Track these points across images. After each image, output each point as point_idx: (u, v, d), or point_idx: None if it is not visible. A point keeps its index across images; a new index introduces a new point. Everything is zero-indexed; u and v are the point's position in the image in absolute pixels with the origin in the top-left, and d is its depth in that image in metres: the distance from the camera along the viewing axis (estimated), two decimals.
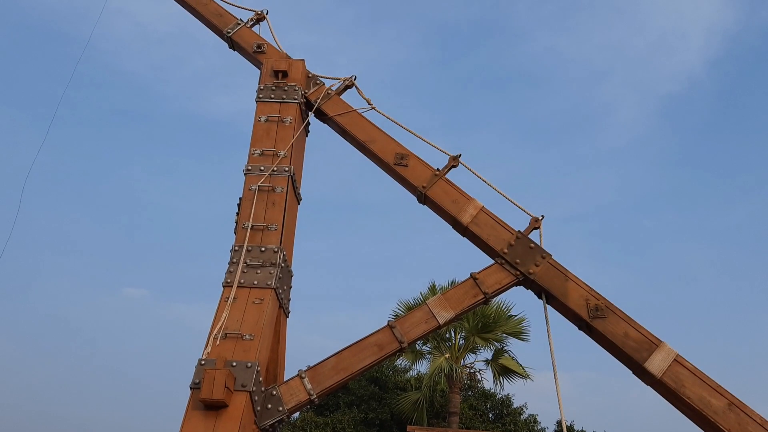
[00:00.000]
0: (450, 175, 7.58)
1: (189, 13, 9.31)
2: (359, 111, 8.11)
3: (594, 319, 6.61)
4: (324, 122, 8.34)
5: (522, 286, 7.12)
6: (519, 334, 22.48)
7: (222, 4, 9.09)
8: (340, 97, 8.28)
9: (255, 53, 8.56)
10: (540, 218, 7.20)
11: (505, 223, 7.22)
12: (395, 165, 7.65)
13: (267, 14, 8.93)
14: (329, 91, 8.25)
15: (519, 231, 7.13)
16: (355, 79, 8.33)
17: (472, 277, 6.99)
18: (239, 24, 8.85)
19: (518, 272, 6.94)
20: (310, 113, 8.18)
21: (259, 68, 8.47)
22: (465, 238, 7.43)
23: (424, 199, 7.53)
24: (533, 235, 7.18)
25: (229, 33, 8.76)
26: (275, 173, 7.49)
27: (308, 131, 8.43)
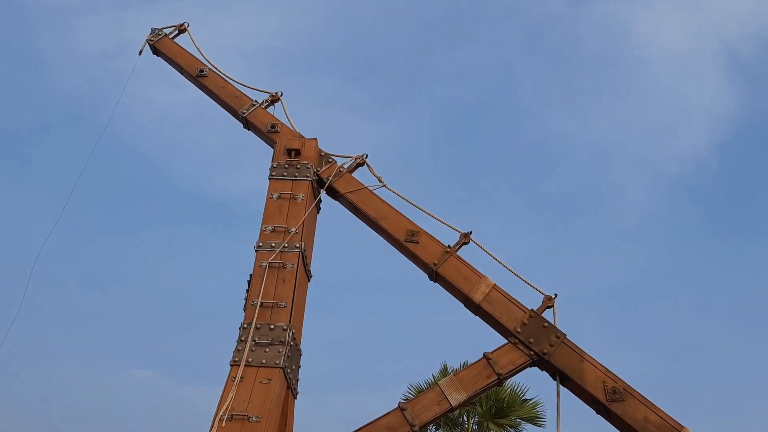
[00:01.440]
0: (461, 252, 7.54)
1: (206, 96, 9.60)
2: (370, 188, 8.18)
3: (612, 403, 6.37)
4: (335, 199, 8.40)
5: (536, 367, 6.92)
6: (534, 419, 21.66)
7: (238, 86, 9.38)
8: (352, 174, 8.38)
9: (269, 132, 8.74)
10: (553, 297, 7.08)
11: (518, 302, 7.11)
12: (406, 242, 7.63)
13: (282, 96, 9.18)
14: (341, 169, 8.35)
15: (532, 310, 7.00)
16: (366, 158, 8.44)
17: (485, 357, 6.82)
18: (254, 105, 9.08)
19: (532, 352, 6.76)
20: (321, 190, 8.25)
21: (273, 147, 8.62)
22: (477, 316, 7.30)
23: (435, 276, 7.45)
24: (547, 314, 7.05)
25: (244, 113, 8.98)
26: (286, 250, 7.48)
27: (320, 208, 8.48)
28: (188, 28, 10.09)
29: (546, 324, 6.88)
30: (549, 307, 7.05)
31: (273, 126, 8.78)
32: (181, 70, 9.71)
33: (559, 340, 6.77)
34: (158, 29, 10.09)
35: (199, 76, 9.42)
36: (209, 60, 9.64)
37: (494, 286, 7.19)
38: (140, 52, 10.01)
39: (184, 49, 9.87)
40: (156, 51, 10.01)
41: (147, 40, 9.99)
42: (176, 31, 10.11)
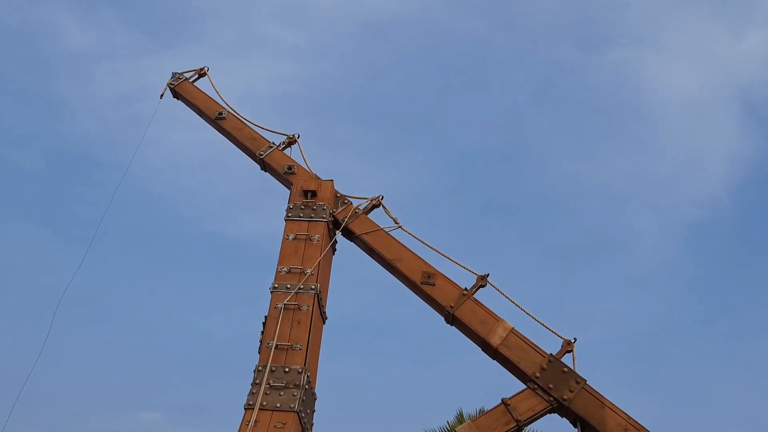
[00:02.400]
0: (478, 296, 7.46)
1: (222, 138, 9.71)
2: (386, 230, 8.16)
3: None
4: (351, 240, 8.39)
5: (556, 414, 6.76)
6: None
7: (256, 128, 9.49)
8: (368, 216, 8.38)
9: (286, 174, 8.79)
10: (573, 341, 6.96)
11: (537, 346, 6.99)
12: (422, 284, 7.57)
13: (298, 138, 9.27)
14: (357, 210, 8.36)
15: (551, 354, 6.87)
16: (382, 199, 8.45)
17: (504, 403, 6.67)
18: (271, 147, 9.16)
19: (552, 398, 6.61)
20: (337, 231, 8.25)
21: (289, 188, 8.67)
22: (495, 361, 7.17)
23: (452, 319, 7.36)
24: (566, 359, 6.92)
25: (261, 155, 9.06)
26: (302, 291, 7.44)
27: (335, 249, 8.46)
28: (208, 72, 10.28)
29: (566, 369, 6.75)
30: (568, 351, 6.92)
31: (290, 167, 8.84)
32: (201, 113, 9.85)
33: (580, 385, 6.62)
34: (179, 73, 10.29)
35: (218, 119, 9.55)
36: (228, 103, 9.80)
37: (512, 330, 7.09)
38: (161, 95, 10.20)
39: (203, 92, 10.04)
40: (176, 94, 10.18)
41: (168, 84, 10.18)
42: (196, 75, 10.30)
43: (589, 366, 6.97)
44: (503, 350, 6.95)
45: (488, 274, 7.47)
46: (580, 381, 6.65)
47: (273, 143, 9.23)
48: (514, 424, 6.56)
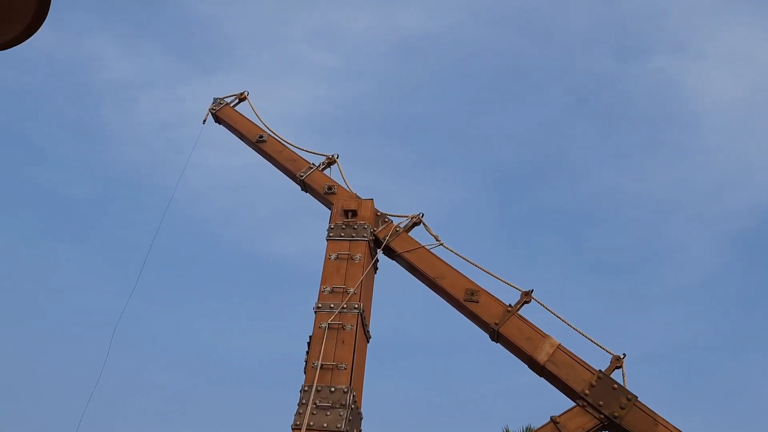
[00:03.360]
0: (522, 312, 7.37)
1: (265, 160, 9.87)
2: (427, 247, 8.15)
3: None
4: (392, 259, 8.39)
5: (607, 431, 6.60)
6: None
7: (295, 150, 9.63)
8: (408, 234, 8.38)
9: (326, 194, 8.87)
10: (622, 357, 6.81)
11: (585, 362, 6.86)
12: (466, 301, 7.52)
13: (338, 158, 9.36)
14: (397, 229, 8.37)
15: (600, 371, 6.74)
16: (422, 216, 8.45)
17: (553, 421, 6.55)
18: (311, 168, 9.27)
19: (602, 415, 6.47)
20: (378, 250, 8.26)
21: (330, 208, 8.74)
22: (542, 378, 7.06)
23: (496, 336, 7.28)
24: (615, 375, 6.77)
25: (302, 176, 9.17)
26: (345, 310, 7.46)
27: (377, 268, 8.48)
28: (248, 97, 10.48)
29: (615, 385, 6.60)
30: (618, 367, 6.78)
31: (330, 188, 8.92)
32: (242, 137, 10.04)
33: (631, 402, 6.47)
34: (220, 99, 10.52)
35: (259, 142, 9.72)
36: (268, 126, 9.97)
37: (559, 346, 6.98)
38: (204, 120, 10.43)
39: (244, 116, 10.23)
40: (218, 119, 10.40)
41: (210, 109, 10.41)
42: (236, 100, 10.51)
43: (638, 382, 6.82)
44: (551, 367, 6.84)
45: (532, 290, 7.39)
46: (631, 398, 6.49)
47: (313, 164, 9.34)
48: None
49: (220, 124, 10.47)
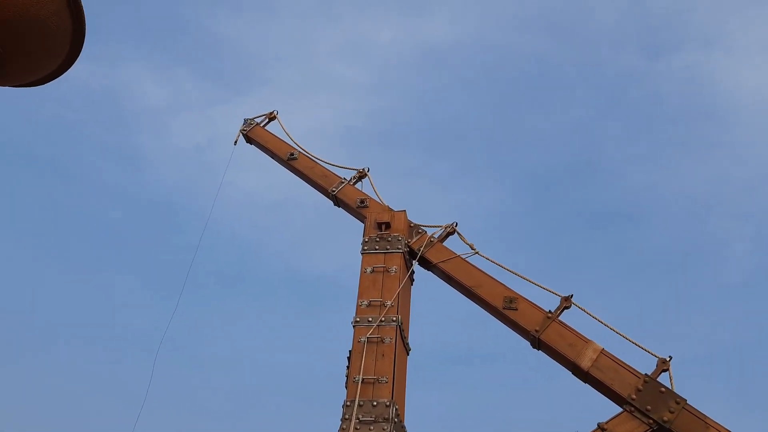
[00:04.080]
0: (563, 317, 7.27)
1: (297, 178, 9.97)
2: (463, 256, 8.11)
3: None
4: (428, 269, 8.37)
5: None
6: None
7: (326, 165, 9.70)
8: (443, 243, 8.36)
9: (358, 208, 8.92)
10: (668, 359, 6.66)
11: (630, 366, 6.72)
12: (504, 309, 7.45)
13: (368, 171, 9.40)
14: (431, 239, 8.35)
15: (646, 374, 6.60)
16: (456, 226, 8.42)
17: (600, 427, 6.43)
18: (343, 182, 9.33)
19: (651, 420, 6.33)
20: (414, 262, 8.25)
21: (363, 222, 8.77)
22: (586, 384, 6.95)
23: (538, 343, 7.19)
24: (662, 379, 6.63)
25: (334, 191, 9.23)
26: (383, 323, 7.46)
27: (413, 280, 8.46)
28: (277, 116, 10.62)
29: (663, 389, 6.46)
30: (664, 370, 6.63)
31: (362, 201, 8.96)
32: (273, 155, 10.16)
33: (680, 406, 6.32)
34: (250, 119, 10.67)
35: (290, 160, 9.83)
36: (298, 143, 10.08)
37: (602, 351, 6.86)
38: (235, 142, 10.59)
39: (274, 135, 10.37)
40: (249, 139, 10.55)
41: (241, 131, 10.57)
42: (266, 119, 10.66)
43: (686, 385, 6.66)
44: (595, 373, 6.73)
45: (572, 295, 7.29)
46: (680, 401, 6.35)
47: (344, 179, 9.40)
48: None
49: (251, 144, 10.61)
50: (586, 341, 6.97)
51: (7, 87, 4.82)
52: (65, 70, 4.88)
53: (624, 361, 6.81)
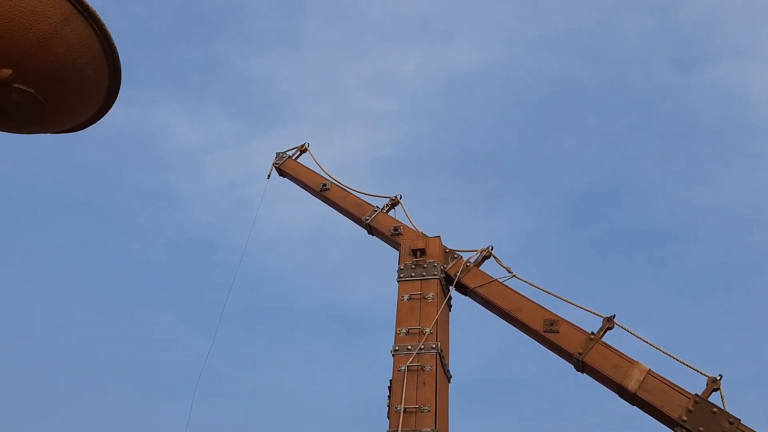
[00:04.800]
0: (606, 339, 7.11)
1: (331, 209, 10.04)
2: (500, 280, 8.03)
3: None
4: (465, 295, 8.30)
5: None
6: None
7: (359, 195, 9.76)
8: (479, 268, 8.29)
9: (392, 236, 8.92)
10: (718, 378, 6.45)
11: (679, 387, 6.53)
12: (546, 332, 7.33)
13: (401, 198, 9.42)
14: (467, 264, 8.30)
15: (696, 394, 6.39)
16: (492, 249, 8.36)
17: None
18: (376, 211, 9.37)
19: None
20: (451, 287, 8.20)
21: (398, 249, 8.77)
22: (634, 406, 6.76)
23: (581, 366, 7.04)
24: (713, 398, 6.41)
25: (367, 220, 9.27)
26: (423, 351, 7.40)
27: (451, 306, 8.40)
28: (308, 148, 10.75)
29: (715, 409, 6.24)
30: (715, 390, 6.41)
31: (396, 229, 8.97)
32: (306, 187, 10.27)
33: (734, 426, 6.09)
34: (282, 153, 10.82)
35: (323, 190, 9.91)
36: (330, 174, 10.17)
37: (649, 372, 6.68)
38: (268, 176, 10.75)
39: (306, 167, 10.49)
40: (282, 173, 10.69)
41: (273, 164, 10.72)
42: (298, 152, 10.80)
43: (739, 404, 6.43)
44: (642, 394, 6.55)
45: (614, 315, 7.14)
46: (733, 421, 6.12)
47: (377, 207, 9.44)
48: None
49: (284, 177, 10.75)
50: (632, 362, 6.80)
51: (47, 134, 5.00)
52: (103, 115, 5.04)
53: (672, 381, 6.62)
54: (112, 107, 5.04)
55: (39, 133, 4.91)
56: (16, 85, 4.23)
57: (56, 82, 4.38)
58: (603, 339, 7.07)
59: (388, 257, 9.10)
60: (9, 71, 4.13)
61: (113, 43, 4.59)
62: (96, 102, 4.84)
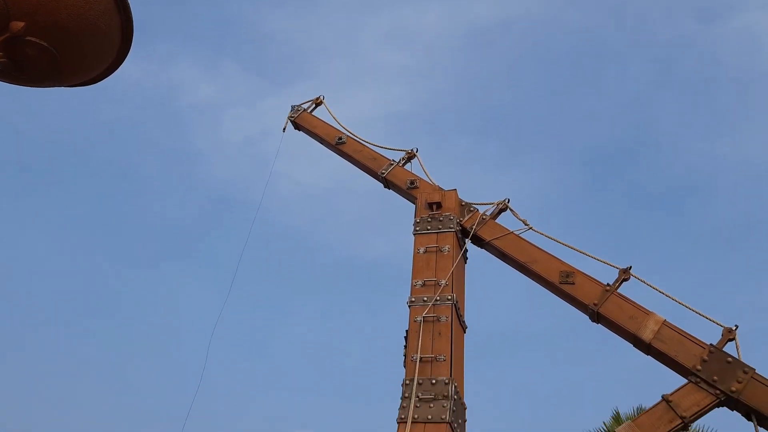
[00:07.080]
0: (622, 290, 7.13)
1: (347, 162, 10.03)
2: (516, 233, 8.02)
3: None
4: (481, 247, 8.32)
5: (725, 407, 6.28)
6: None
7: (375, 148, 9.72)
8: (495, 221, 8.29)
9: (409, 189, 8.91)
10: (734, 329, 6.46)
11: (694, 337, 6.55)
12: (561, 284, 7.35)
13: (417, 152, 9.38)
14: (484, 217, 8.29)
15: (711, 344, 6.42)
16: (508, 202, 8.33)
17: (665, 399, 6.30)
18: (392, 164, 9.34)
19: (718, 391, 6.16)
20: (467, 240, 8.22)
21: (414, 203, 8.77)
22: (649, 356, 6.81)
23: (597, 317, 7.08)
24: (728, 349, 6.43)
25: (383, 173, 9.25)
26: (438, 302, 7.47)
27: (466, 258, 8.43)
28: (324, 101, 10.68)
29: (730, 359, 6.27)
30: (730, 340, 6.42)
31: (412, 182, 8.95)
32: (321, 140, 10.24)
33: (748, 375, 6.12)
34: (297, 106, 10.77)
35: (338, 144, 9.89)
36: (345, 128, 10.12)
37: (664, 322, 6.70)
38: (284, 129, 10.72)
39: (322, 120, 10.44)
40: (297, 126, 10.66)
41: (288, 117, 10.69)
42: (313, 105, 10.74)
43: (755, 354, 6.45)
44: (657, 344, 6.58)
45: (630, 267, 7.13)
46: (748, 370, 6.15)
47: (393, 161, 9.41)
48: (679, 421, 6.17)
49: (299, 130, 10.72)
50: (647, 313, 6.82)
51: (62, 87, 5.02)
52: (116, 69, 5.05)
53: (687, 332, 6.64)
54: (126, 61, 5.04)
55: (53, 86, 4.93)
56: (29, 38, 4.25)
57: (69, 35, 4.39)
58: (619, 290, 7.08)
59: (404, 211, 9.11)
60: (22, 23, 4.14)
61: None
62: (109, 55, 4.84)
